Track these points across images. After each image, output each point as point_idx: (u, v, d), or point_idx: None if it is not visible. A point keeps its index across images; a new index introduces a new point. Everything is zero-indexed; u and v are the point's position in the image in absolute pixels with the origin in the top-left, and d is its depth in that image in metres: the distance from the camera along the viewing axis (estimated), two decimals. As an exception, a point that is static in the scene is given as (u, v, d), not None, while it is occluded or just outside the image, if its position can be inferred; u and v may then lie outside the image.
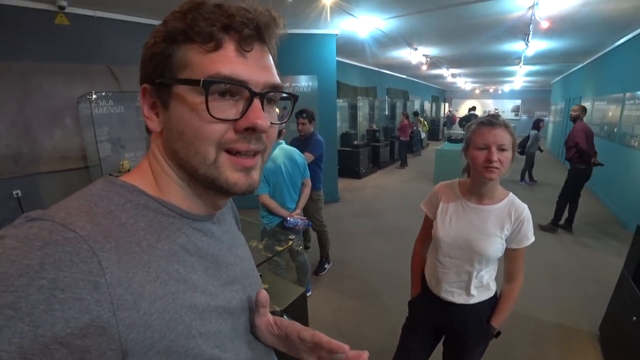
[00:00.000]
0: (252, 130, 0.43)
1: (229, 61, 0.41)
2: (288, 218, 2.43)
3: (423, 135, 11.62)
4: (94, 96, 3.20)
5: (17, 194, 3.16)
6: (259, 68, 0.43)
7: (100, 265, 0.34)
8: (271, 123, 0.46)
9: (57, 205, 0.38)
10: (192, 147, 0.42)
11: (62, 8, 3.21)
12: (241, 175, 0.45)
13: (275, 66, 0.47)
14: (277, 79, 0.45)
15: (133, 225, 0.40)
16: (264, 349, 0.59)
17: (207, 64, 0.40)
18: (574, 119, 4.21)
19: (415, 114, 11.31)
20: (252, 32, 0.42)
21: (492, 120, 1.13)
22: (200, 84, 0.39)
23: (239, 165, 0.44)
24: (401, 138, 9.09)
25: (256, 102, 0.43)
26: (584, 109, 4.22)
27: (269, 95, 0.45)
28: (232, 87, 0.42)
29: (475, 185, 1.21)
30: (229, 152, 0.43)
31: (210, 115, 0.40)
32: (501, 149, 1.10)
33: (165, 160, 0.46)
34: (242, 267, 0.56)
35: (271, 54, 0.46)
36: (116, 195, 0.42)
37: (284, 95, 0.48)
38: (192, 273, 0.44)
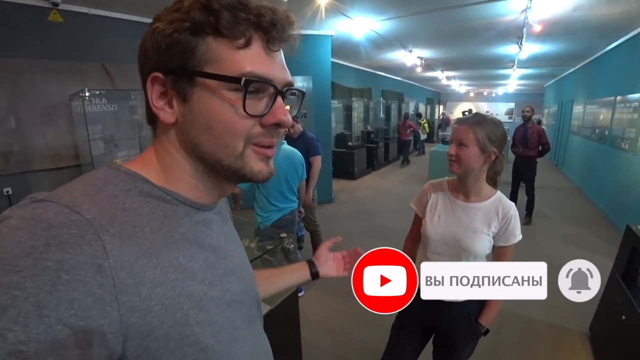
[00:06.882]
0: (277, 125, 0.46)
1: (260, 60, 0.43)
2: None
3: (423, 137, 11.67)
4: (87, 94, 3.17)
5: (7, 191, 3.12)
6: (281, 67, 0.46)
7: (104, 249, 0.34)
8: None
9: (62, 188, 0.38)
10: (222, 141, 0.43)
11: (55, 5, 3.19)
12: (264, 165, 0.47)
13: None
14: (291, 77, 0.48)
15: (137, 210, 0.40)
16: (260, 345, 0.59)
17: (238, 62, 0.41)
18: (530, 119, 4.49)
19: (419, 115, 11.44)
20: (279, 34, 0.43)
21: (463, 118, 1.19)
22: (242, 83, 0.41)
23: (263, 156, 0.47)
24: (402, 137, 9.55)
25: (279, 99, 0.45)
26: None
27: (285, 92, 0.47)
28: (262, 86, 0.43)
29: (457, 181, 1.25)
30: (254, 144, 0.46)
31: (245, 111, 0.42)
32: (460, 144, 1.15)
33: (178, 151, 0.46)
34: (238, 260, 0.56)
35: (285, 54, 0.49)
36: (121, 181, 0.42)
37: (293, 91, 0.51)
38: (192, 262, 0.44)
